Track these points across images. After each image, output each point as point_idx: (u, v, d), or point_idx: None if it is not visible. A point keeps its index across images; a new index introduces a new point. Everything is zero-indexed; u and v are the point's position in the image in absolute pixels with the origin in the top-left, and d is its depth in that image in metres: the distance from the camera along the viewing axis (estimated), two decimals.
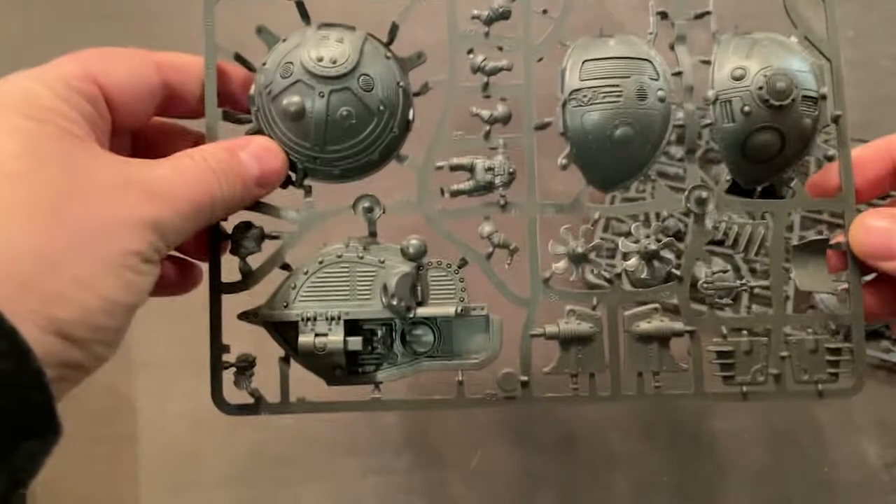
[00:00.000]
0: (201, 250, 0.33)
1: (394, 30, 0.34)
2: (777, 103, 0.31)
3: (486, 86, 0.34)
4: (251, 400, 0.33)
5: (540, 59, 0.34)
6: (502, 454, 0.49)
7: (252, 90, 0.33)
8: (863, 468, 0.48)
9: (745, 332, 0.33)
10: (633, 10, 0.35)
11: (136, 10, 0.58)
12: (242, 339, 0.34)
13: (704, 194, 0.33)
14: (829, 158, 0.33)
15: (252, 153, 0.31)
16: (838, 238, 0.33)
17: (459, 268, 0.33)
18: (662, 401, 0.32)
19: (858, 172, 0.33)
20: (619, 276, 0.33)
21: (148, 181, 0.27)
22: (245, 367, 0.33)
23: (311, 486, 0.48)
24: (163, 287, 0.31)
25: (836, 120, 0.33)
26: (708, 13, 0.34)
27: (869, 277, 0.33)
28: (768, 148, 0.32)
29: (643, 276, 0.33)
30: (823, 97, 0.33)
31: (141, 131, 0.33)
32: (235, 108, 0.34)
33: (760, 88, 0.32)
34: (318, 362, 0.32)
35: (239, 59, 0.34)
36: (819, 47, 0.34)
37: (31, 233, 0.24)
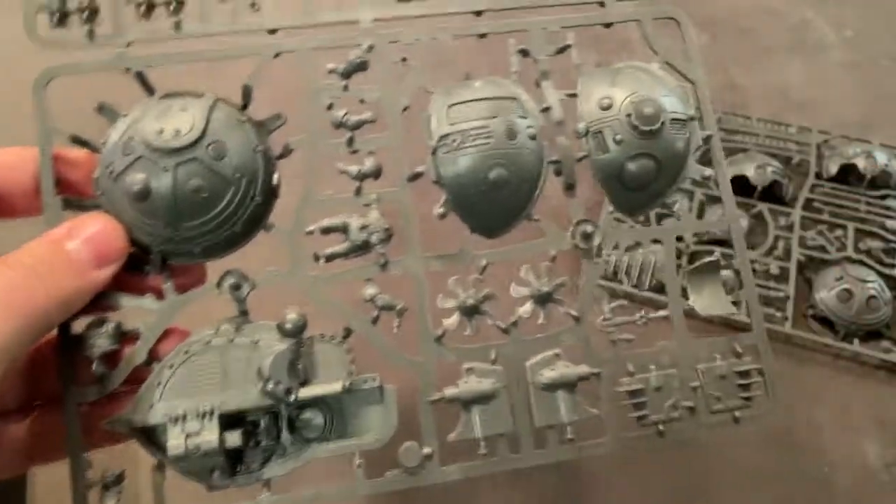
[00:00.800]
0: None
1: (247, 92, 0.32)
2: (647, 128, 0.31)
3: (350, 140, 0.32)
4: None
5: (405, 109, 0.32)
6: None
7: (96, 173, 0.30)
8: (863, 468, 0.47)
9: (652, 366, 0.31)
10: (492, 51, 0.34)
11: None
12: (111, 449, 0.30)
13: (590, 228, 0.32)
14: (706, 178, 0.32)
15: (81, 238, 0.28)
16: None
17: (344, 338, 0.31)
18: (576, 454, 0.30)
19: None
20: (514, 324, 0.31)
21: None
22: (111, 483, 0.29)
23: (311, 486, 0.44)
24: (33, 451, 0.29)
25: (706, 140, 0.33)
26: (568, 46, 0.33)
27: None
28: (645, 174, 0.32)
29: (539, 321, 0.31)
30: (692, 118, 0.32)
31: None
32: (80, 195, 0.31)
33: (629, 115, 0.31)
34: (195, 466, 0.28)
35: (77, 140, 0.31)
36: (681, 71, 0.34)
37: None
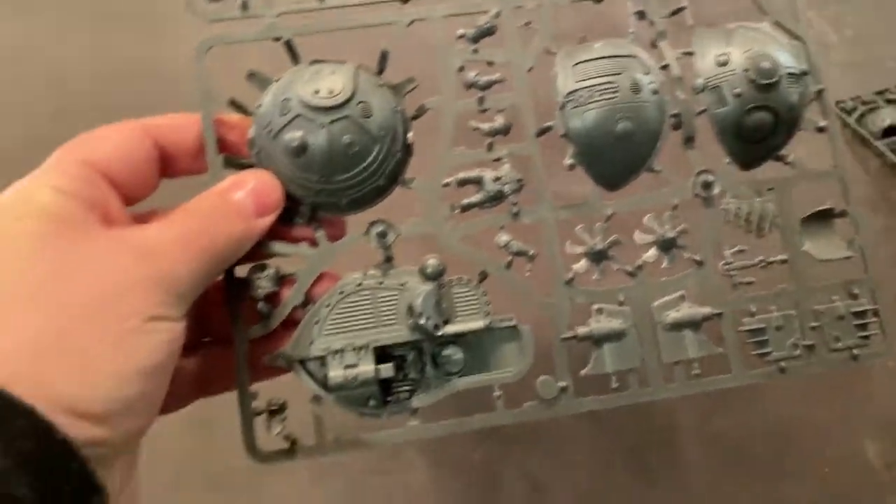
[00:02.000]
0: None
1: (384, 58, 0.34)
2: (765, 82, 0.32)
3: (481, 100, 0.34)
4: (286, 445, 0.31)
5: (530, 69, 0.34)
6: (503, 453, 0.48)
7: (251, 133, 0.33)
8: (863, 468, 0.48)
9: (773, 307, 0.33)
10: (609, 16, 0.36)
11: (142, 9, 0.57)
12: (263, 384, 0.32)
13: (710, 178, 0.33)
14: (821, 129, 0.34)
15: (245, 189, 0.31)
16: None
17: (480, 281, 0.33)
18: (703, 387, 0.32)
19: None
20: (640, 268, 0.33)
21: (141, 241, 0.27)
22: (276, 411, 0.32)
23: (312, 486, 0.47)
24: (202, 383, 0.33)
25: (819, 93, 0.34)
26: (683, 9, 0.35)
27: None
28: (763, 126, 0.33)
29: (664, 264, 0.33)
30: (805, 73, 0.34)
31: None
32: (237, 155, 0.34)
33: (746, 70, 0.33)
34: (351, 396, 0.31)
35: (234, 104, 0.33)
36: (789, 29, 0.35)
37: (23, 320, 0.24)
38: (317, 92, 0.31)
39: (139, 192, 0.31)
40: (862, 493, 0.47)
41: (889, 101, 0.56)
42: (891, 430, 0.48)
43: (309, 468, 0.48)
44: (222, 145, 0.34)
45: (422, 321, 0.31)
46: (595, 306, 0.33)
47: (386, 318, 0.32)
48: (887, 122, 0.55)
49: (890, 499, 0.47)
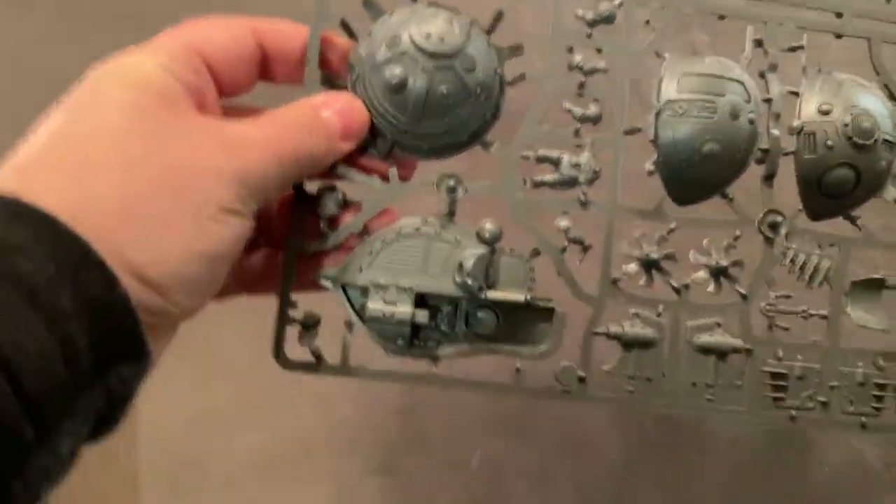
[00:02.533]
0: (287, 217, 0.33)
1: (498, 17, 0.34)
2: (861, 142, 0.33)
3: (581, 84, 0.34)
4: (312, 359, 0.33)
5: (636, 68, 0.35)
6: (502, 454, 0.49)
7: (352, 57, 0.33)
8: (863, 468, 0.48)
9: (799, 356, 0.34)
10: (718, 34, 0.36)
11: (145, 9, 0.56)
12: (304, 296, 0.34)
13: (779, 219, 0.34)
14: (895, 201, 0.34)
15: (335, 110, 0.32)
16: None
17: (531, 258, 0.34)
18: (713, 411, 0.33)
19: None
20: (686, 286, 0.34)
21: (231, 135, 0.28)
22: (311, 325, 0.33)
23: (311, 487, 0.48)
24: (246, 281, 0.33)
25: None
26: (801, 47, 0.35)
27: None
28: (844, 184, 0.34)
29: (709, 289, 0.34)
30: None
31: None
32: (334, 75, 0.34)
33: (846, 125, 0.33)
34: (383, 330, 0.33)
35: (344, 25, 0.34)
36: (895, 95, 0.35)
37: (112, 181, 0.25)
38: (428, 36, 0.32)
39: (236, 88, 0.32)
40: (862, 493, 0.48)
41: None
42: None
43: (307, 469, 0.48)
44: (323, 63, 0.34)
45: (468, 280, 0.32)
46: (633, 310, 0.34)
47: (434, 267, 0.33)
48: None
49: (890, 499, 0.47)
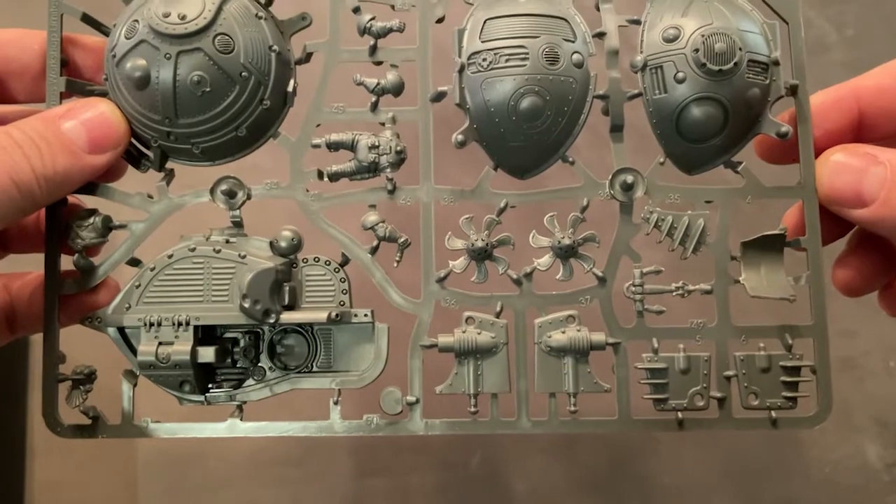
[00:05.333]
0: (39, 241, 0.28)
1: None
2: (716, 68, 0.26)
3: (373, 49, 0.28)
4: (87, 420, 0.28)
5: (439, 20, 0.28)
6: (502, 456, 0.46)
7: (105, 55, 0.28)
8: (863, 468, 0.46)
9: (681, 346, 0.27)
10: None
11: None
12: (86, 347, 0.28)
13: (631, 178, 0.27)
14: (783, 136, 0.27)
15: (80, 120, 0.26)
16: (786, 222, 0.28)
17: (341, 266, 0.28)
18: (577, 429, 0.27)
19: (816, 123, 0.28)
20: (528, 276, 0.28)
21: None
22: (81, 380, 0.28)
23: (312, 487, 0.46)
24: None
25: (793, 90, 0.27)
26: None
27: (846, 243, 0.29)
28: (708, 123, 0.27)
29: (558, 276, 0.27)
30: (776, 63, 0.27)
31: None
32: (86, 79, 0.29)
33: (696, 51, 0.26)
34: (164, 376, 0.27)
35: (88, 20, 0.29)
36: (773, 6, 0.28)
37: None
38: (167, 15, 0.26)
39: None
40: (862, 493, 0.46)
41: None
42: (891, 430, 0.46)
43: (306, 469, 0.46)
44: (74, 69, 0.29)
45: (247, 304, 0.26)
46: (466, 314, 0.27)
47: (217, 293, 0.27)
48: None
49: (890, 499, 0.46)
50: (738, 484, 0.46)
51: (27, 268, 0.30)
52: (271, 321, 0.27)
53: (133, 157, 0.29)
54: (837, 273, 0.29)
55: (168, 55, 0.26)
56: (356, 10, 0.28)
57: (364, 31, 0.28)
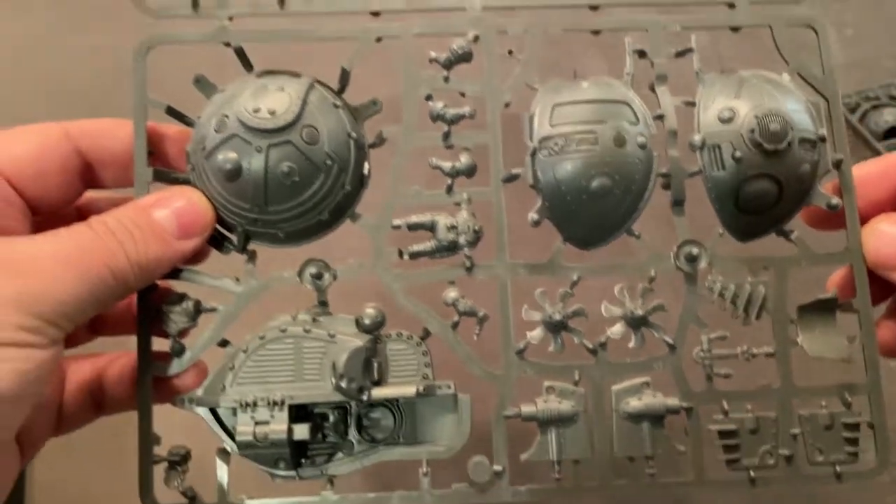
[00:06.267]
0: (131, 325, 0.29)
1: (344, 76, 0.30)
2: (771, 147, 0.28)
3: (447, 135, 0.30)
4: (184, 501, 0.28)
5: (507, 105, 0.30)
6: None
7: (189, 146, 0.30)
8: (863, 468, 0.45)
9: (749, 406, 0.29)
10: (606, 49, 0.32)
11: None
12: (177, 427, 0.29)
13: (696, 251, 0.29)
14: (833, 208, 0.29)
15: (171, 209, 0.28)
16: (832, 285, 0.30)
17: (422, 339, 0.29)
18: (657, 490, 0.28)
19: (860, 194, 0.30)
20: (602, 345, 0.29)
21: (14, 255, 0.24)
22: (177, 461, 0.29)
23: (310, 487, 0.45)
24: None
25: (837, 165, 0.30)
26: (690, 51, 0.31)
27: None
28: (764, 197, 0.29)
29: (630, 345, 0.29)
30: (822, 139, 0.29)
31: (87, 208, 0.31)
32: (172, 169, 0.31)
33: (752, 131, 0.28)
34: (261, 454, 0.28)
35: (172, 112, 0.30)
36: (814, 85, 0.30)
37: None
38: (257, 111, 0.28)
39: (52, 200, 0.29)
40: (862, 494, 0.45)
41: (893, 98, 0.53)
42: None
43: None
44: (158, 157, 0.30)
45: (343, 384, 0.27)
46: (546, 383, 0.29)
47: (309, 372, 0.28)
48: (890, 122, 0.52)
49: (890, 499, 0.45)
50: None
51: (108, 349, 0.31)
52: (364, 398, 0.28)
53: (216, 241, 0.30)
54: (878, 334, 0.31)
55: (259, 148, 0.28)
56: (428, 98, 0.30)
57: (437, 117, 0.30)
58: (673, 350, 0.29)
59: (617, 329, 0.29)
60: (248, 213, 0.29)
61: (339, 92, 0.31)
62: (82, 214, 0.31)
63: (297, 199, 0.28)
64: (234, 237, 0.30)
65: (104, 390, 0.30)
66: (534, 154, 0.29)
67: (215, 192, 0.29)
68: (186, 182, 0.30)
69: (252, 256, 0.30)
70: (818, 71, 0.31)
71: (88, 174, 0.30)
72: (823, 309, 0.30)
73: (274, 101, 0.28)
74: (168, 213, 0.28)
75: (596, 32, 0.31)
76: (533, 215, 0.29)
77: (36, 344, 0.24)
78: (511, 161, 0.30)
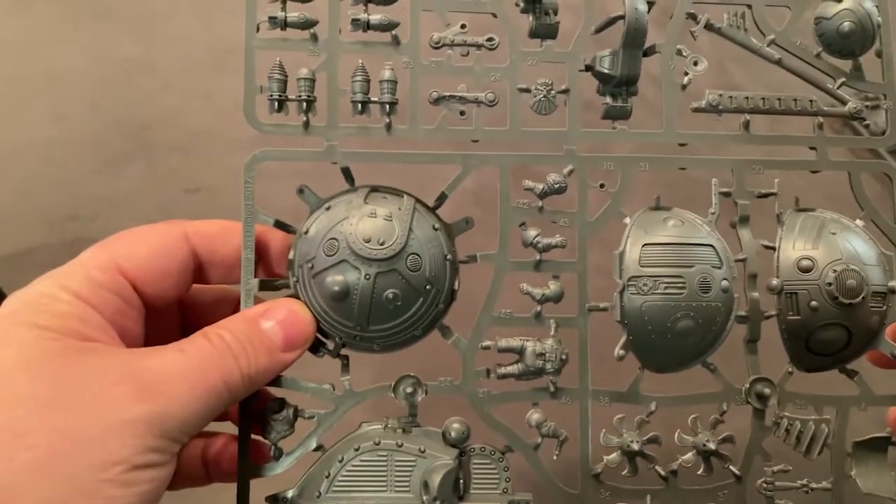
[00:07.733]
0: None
1: (443, 199, 0.32)
2: (847, 301, 0.30)
3: (538, 263, 0.32)
4: None
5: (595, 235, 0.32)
6: None
7: (291, 255, 0.31)
8: None
9: None
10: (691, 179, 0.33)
11: (138, 8, 0.54)
12: None
13: (767, 391, 0.31)
14: None
15: (277, 320, 0.29)
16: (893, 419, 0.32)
17: (503, 455, 0.31)
18: None
19: None
20: (674, 472, 0.31)
21: (145, 373, 0.26)
22: None
23: None
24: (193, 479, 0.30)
25: None
26: (773, 194, 0.32)
27: None
28: (834, 343, 0.31)
29: (699, 472, 0.31)
30: (892, 291, 0.31)
31: (188, 299, 0.32)
32: (271, 273, 0.32)
33: (830, 285, 0.30)
34: None
35: (280, 225, 0.32)
36: (887, 234, 0.32)
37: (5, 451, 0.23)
38: (367, 240, 0.29)
39: (167, 298, 0.30)
40: (862, 493, 0.46)
41: None
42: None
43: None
44: (261, 260, 0.32)
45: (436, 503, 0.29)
46: None
47: (399, 485, 0.30)
48: None
49: (890, 499, 0.46)
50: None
51: None
52: None
53: (313, 345, 0.32)
54: None
55: (368, 276, 0.29)
56: (522, 226, 0.32)
57: (529, 244, 0.32)
58: (739, 480, 0.31)
59: (688, 457, 0.31)
60: (350, 329, 0.30)
61: (435, 208, 0.32)
62: (183, 305, 0.33)
63: (397, 320, 0.30)
64: (329, 343, 0.31)
65: (208, 469, 0.31)
66: (622, 291, 0.31)
67: (319, 307, 0.30)
68: (286, 287, 0.31)
69: (346, 363, 0.32)
70: (889, 217, 0.33)
71: (199, 272, 0.31)
72: (878, 447, 0.32)
73: (383, 231, 0.30)
74: (274, 325, 0.29)
75: (682, 169, 0.33)
76: (620, 351, 0.31)
77: (160, 463, 0.25)
78: (596, 289, 0.32)
